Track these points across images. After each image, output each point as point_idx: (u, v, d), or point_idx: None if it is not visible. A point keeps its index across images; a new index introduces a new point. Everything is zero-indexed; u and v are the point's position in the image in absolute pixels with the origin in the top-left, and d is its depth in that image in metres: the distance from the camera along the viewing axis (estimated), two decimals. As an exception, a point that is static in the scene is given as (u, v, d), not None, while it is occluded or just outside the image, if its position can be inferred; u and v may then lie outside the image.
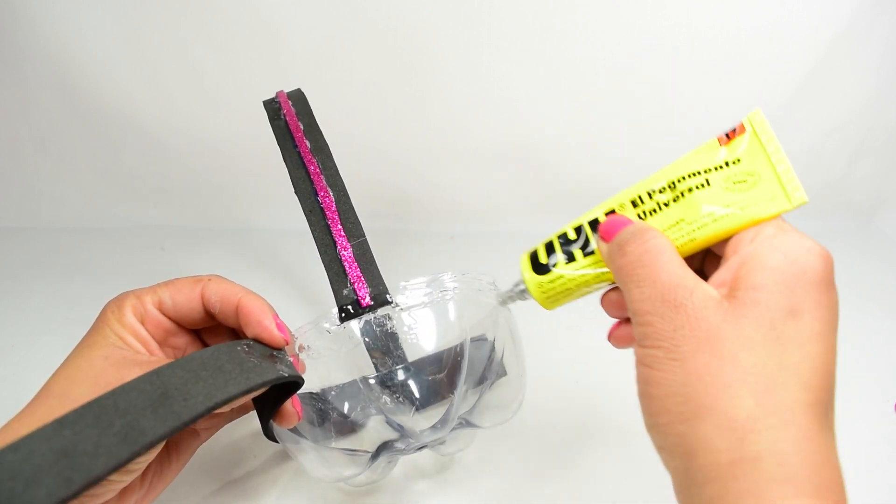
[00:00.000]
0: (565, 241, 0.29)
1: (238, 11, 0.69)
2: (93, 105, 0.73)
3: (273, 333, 0.31)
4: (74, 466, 0.19)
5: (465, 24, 0.69)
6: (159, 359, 0.29)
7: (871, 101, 0.76)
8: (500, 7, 0.69)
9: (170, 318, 0.32)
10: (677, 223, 0.26)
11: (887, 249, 0.76)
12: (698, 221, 0.25)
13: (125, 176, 0.77)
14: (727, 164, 0.27)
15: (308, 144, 0.39)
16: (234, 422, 0.36)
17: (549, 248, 0.29)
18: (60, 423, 0.20)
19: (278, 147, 0.40)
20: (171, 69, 0.72)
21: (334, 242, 0.36)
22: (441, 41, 0.70)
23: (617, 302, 0.29)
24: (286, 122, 0.40)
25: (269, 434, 0.35)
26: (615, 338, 0.29)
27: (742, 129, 0.29)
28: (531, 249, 0.30)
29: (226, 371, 0.26)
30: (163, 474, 0.31)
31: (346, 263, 0.35)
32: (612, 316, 0.29)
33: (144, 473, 0.30)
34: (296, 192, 0.38)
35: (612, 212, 0.28)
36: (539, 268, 0.29)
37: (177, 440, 0.32)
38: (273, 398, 0.31)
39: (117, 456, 0.20)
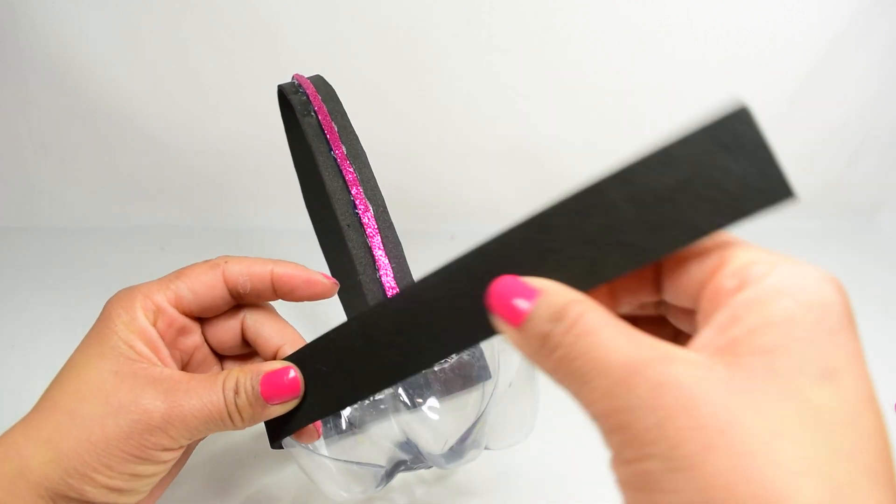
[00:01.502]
0: None
1: (238, 11, 0.69)
2: (93, 105, 0.73)
3: (326, 284, 0.29)
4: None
5: (465, 24, 0.69)
6: (172, 373, 0.27)
7: (871, 101, 0.76)
8: (500, 7, 0.69)
9: (186, 314, 0.29)
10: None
11: (887, 249, 0.76)
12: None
13: (125, 176, 0.77)
14: None
15: (344, 150, 0.34)
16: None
17: None
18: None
19: (311, 147, 0.34)
20: (170, 69, 0.72)
21: (375, 264, 0.32)
22: (441, 41, 0.70)
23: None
24: (318, 119, 0.34)
25: (277, 444, 0.32)
26: None
27: None
28: None
29: None
30: (169, 474, 0.29)
31: (387, 290, 0.31)
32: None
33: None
34: (333, 202, 0.33)
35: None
36: None
37: None
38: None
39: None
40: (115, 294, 0.28)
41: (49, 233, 0.75)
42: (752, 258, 0.18)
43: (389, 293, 0.31)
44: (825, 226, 0.80)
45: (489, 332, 0.20)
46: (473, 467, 0.41)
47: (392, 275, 0.32)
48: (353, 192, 0.34)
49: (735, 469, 0.14)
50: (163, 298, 0.28)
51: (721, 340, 0.17)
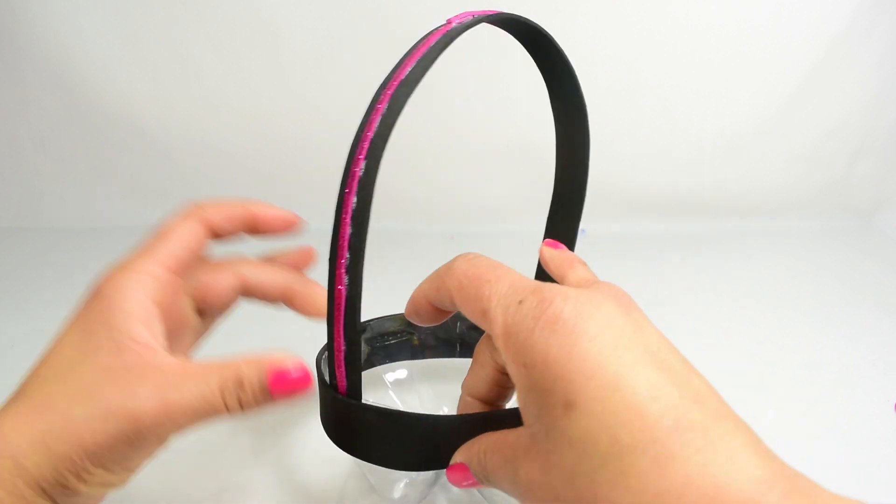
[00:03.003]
0: None
1: (238, 11, 0.69)
2: (93, 105, 0.73)
3: (293, 218, 0.31)
4: None
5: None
6: (166, 361, 0.25)
7: (871, 102, 0.76)
8: (499, 7, 0.69)
9: (180, 272, 0.28)
10: None
11: (887, 249, 0.76)
12: None
13: (125, 176, 0.77)
14: None
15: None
16: (231, 422, 0.36)
17: None
18: None
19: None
20: (170, 69, 0.72)
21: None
22: (441, 41, 0.70)
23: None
24: None
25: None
26: None
27: None
28: None
29: None
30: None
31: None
32: None
33: None
34: None
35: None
36: None
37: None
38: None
39: None
40: (105, 276, 0.27)
41: (49, 233, 0.75)
42: (492, 329, 0.22)
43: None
44: (825, 226, 0.80)
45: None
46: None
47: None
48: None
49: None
50: (157, 267, 0.27)
51: (523, 413, 0.22)
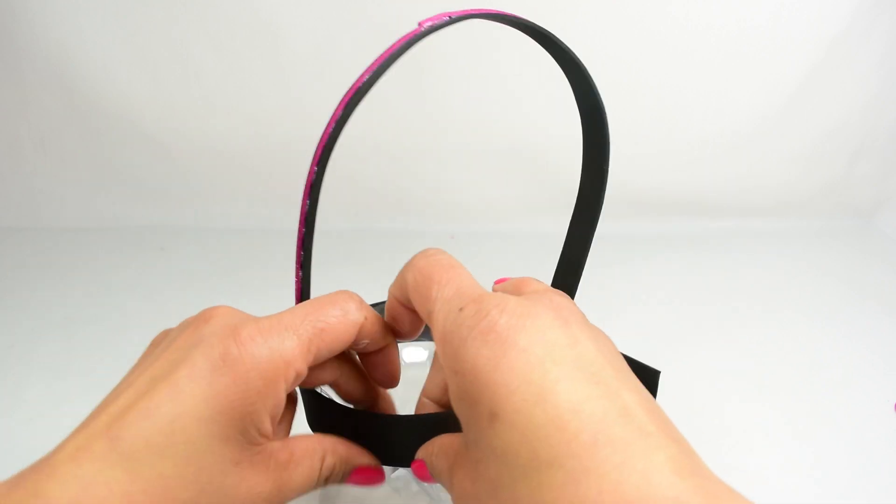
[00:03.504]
0: None
1: (238, 11, 0.69)
2: (93, 105, 0.73)
3: (396, 382, 0.29)
4: None
5: (465, 24, 0.69)
6: (279, 449, 0.24)
7: (871, 102, 0.76)
8: (499, 6, 0.69)
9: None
10: None
11: (887, 249, 0.76)
12: None
13: (125, 176, 0.77)
14: None
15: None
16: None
17: None
18: None
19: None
20: (170, 69, 0.72)
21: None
22: (441, 41, 0.70)
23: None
24: None
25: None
26: None
27: None
28: None
29: None
30: None
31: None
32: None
33: None
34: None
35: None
36: None
37: None
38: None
39: None
40: (249, 345, 0.22)
41: (49, 233, 0.75)
42: (434, 331, 0.23)
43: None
44: (825, 226, 0.80)
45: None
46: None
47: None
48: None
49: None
50: (304, 365, 0.23)
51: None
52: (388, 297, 0.26)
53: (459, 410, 0.21)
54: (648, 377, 0.28)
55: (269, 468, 0.23)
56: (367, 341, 0.26)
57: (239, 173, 0.77)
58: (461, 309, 0.21)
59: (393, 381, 0.29)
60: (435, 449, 0.24)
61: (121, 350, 0.53)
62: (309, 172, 0.29)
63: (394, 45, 0.30)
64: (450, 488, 0.22)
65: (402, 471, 0.37)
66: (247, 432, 0.22)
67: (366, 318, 0.25)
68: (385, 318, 0.27)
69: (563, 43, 0.36)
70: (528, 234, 0.76)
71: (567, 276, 0.39)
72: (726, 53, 0.72)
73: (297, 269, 0.30)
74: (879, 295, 0.64)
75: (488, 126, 0.75)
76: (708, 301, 0.61)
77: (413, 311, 0.25)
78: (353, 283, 0.68)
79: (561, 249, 0.41)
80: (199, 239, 0.74)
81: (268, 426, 0.23)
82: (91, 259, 0.69)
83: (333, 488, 0.36)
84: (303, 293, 0.30)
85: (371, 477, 0.27)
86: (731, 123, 0.76)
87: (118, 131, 0.75)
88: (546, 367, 0.19)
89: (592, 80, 0.36)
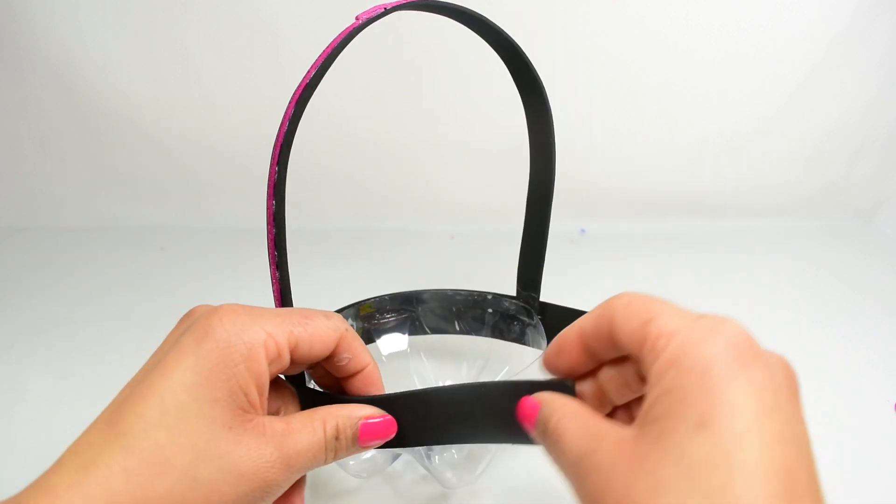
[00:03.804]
0: None
1: (238, 11, 0.69)
2: (93, 105, 0.73)
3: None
4: None
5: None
6: (275, 421, 0.24)
7: (871, 102, 0.76)
8: (500, 6, 0.69)
9: (293, 361, 0.27)
10: None
11: (887, 249, 0.76)
12: None
13: (125, 176, 0.77)
14: None
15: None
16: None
17: None
18: None
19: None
20: (170, 69, 0.72)
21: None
22: (441, 40, 0.70)
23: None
24: None
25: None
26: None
27: None
28: None
29: None
30: None
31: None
32: None
33: None
34: None
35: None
36: None
37: None
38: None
39: None
40: (231, 317, 0.24)
41: (49, 233, 0.75)
42: (658, 330, 0.21)
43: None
44: (825, 226, 0.80)
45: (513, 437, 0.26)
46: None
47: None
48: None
49: None
50: (285, 341, 0.25)
51: (640, 412, 0.20)
52: (566, 331, 0.25)
53: (658, 403, 0.19)
54: None
55: (267, 434, 0.24)
56: (347, 356, 0.27)
57: (239, 173, 0.77)
58: (700, 317, 0.21)
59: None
60: (566, 412, 0.23)
61: (121, 350, 0.53)
62: (270, 173, 0.29)
63: (335, 40, 0.31)
64: (573, 459, 0.21)
65: (405, 456, 0.38)
66: (235, 395, 0.23)
67: (347, 331, 0.27)
68: (548, 352, 0.26)
69: (493, 23, 0.38)
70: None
71: (529, 270, 0.44)
72: (726, 53, 0.72)
73: (272, 270, 0.29)
74: (879, 295, 0.64)
75: (488, 126, 0.75)
76: (708, 301, 0.61)
77: (584, 350, 0.24)
78: (353, 282, 0.68)
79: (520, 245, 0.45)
80: (199, 239, 0.74)
81: (255, 394, 0.23)
82: (91, 259, 0.69)
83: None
84: (283, 294, 0.30)
85: (381, 428, 0.27)
86: (732, 123, 0.76)
87: (118, 131, 0.75)
88: (771, 416, 0.18)
89: (525, 56, 0.39)
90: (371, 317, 0.46)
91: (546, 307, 0.45)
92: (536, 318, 0.44)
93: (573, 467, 0.21)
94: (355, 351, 0.27)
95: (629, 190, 0.78)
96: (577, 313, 0.41)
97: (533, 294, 0.45)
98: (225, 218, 0.78)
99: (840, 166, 0.79)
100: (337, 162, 0.75)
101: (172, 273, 0.66)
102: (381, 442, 0.27)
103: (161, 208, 0.78)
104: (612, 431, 0.21)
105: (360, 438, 0.26)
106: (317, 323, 0.26)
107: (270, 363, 0.24)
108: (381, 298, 0.46)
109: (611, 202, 0.77)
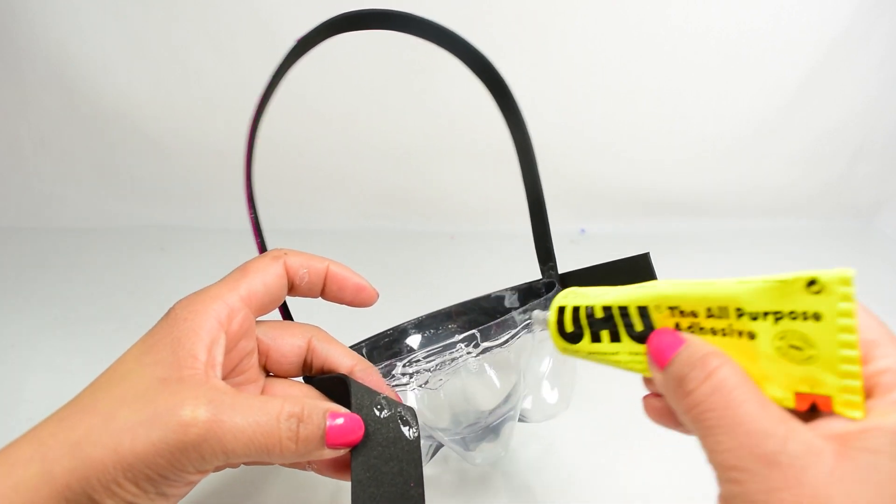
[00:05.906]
0: (592, 318, 0.25)
1: (238, 11, 0.69)
2: (93, 105, 0.73)
3: (371, 293, 0.30)
4: None
5: (465, 24, 0.69)
6: (224, 385, 0.24)
7: (871, 103, 0.76)
8: (501, 7, 0.69)
9: (257, 310, 0.28)
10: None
11: (887, 249, 0.76)
12: None
13: (125, 176, 0.77)
14: (793, 316, 0.21)
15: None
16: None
17: (575, 318, 0.26)
18: None
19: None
20: (170, 69, 0.72)
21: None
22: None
23: (661, 410, 0.24)
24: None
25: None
26: (651, 410, 0.24)
27: (825, 288, 0.20)
28: (557, 306, 0.26)
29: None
30: None
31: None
32: (657, 422, 0.24)
33: None
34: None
35: (646, 309, 0.23)
36: (564, 334, 0.26)
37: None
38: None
39: None
40: (183, 299, 0.26)
41: (49, 233, 0.75)
42: (889, 364, 0.19)
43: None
44: (825, 226, 0.80)
45: None
46: (518, 444, 0.43)
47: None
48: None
49: None
50: (236, 298, 0.26)
51: (839, 429, 0.19)
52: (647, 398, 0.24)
53: (880, 435, 0.18)
54: (640, 265, 0.27)
55: (206, 396, 0.23)
56: (304, 271, 0.29)
57: (239, 173, 0.77)
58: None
59: (364, 290, 0.30)
60: (735, 369, 0.20)
61: (121, 350, 0.53)
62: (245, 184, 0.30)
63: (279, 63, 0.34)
64: (727, 424, 0.19)
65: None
66: (176, 353, 0.24)
67: (286, 254, 0.29)
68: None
69: (421, 18, 0.38)
70: (527, 234, 0.76)
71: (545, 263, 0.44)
72: (726, 56, 0.72)
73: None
74: (879, 295, 0.64)
75: (488, 126, 0.75)
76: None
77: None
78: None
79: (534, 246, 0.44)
80: (199, 239, 0.74)
81: (202, 352, 0.24)
82: (91, 259, 0.69)
83: None
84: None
85: (348, 429, 0.24)
86: (732, 125, 0.76)
87: (118, 131, 0.75)
88: None
89: (464, 40, 0.38)
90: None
91: (565, 277, 0.44)
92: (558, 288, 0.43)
93: (743, 445, 0.19)
94: (307, 262, 0.29)
95: (629, 190, 0.78)
96: (592, 270, 0.40)
97: (551, 264, 0.44)
98: (225, 218, 0.78)
99: (840, 167, 0.79)
100: (337, 162, 0.75)
101: (172, 273, 0.66)
102: (348, 446, 0.25)
103: (161, 208, 0.78)
104: (801, 428, 0.19)
105: (328, 442, 0.24)
106: (256, 265, 0.28)
107: (229, 321, 0.26)
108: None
109: (611, 202, 0.77)
